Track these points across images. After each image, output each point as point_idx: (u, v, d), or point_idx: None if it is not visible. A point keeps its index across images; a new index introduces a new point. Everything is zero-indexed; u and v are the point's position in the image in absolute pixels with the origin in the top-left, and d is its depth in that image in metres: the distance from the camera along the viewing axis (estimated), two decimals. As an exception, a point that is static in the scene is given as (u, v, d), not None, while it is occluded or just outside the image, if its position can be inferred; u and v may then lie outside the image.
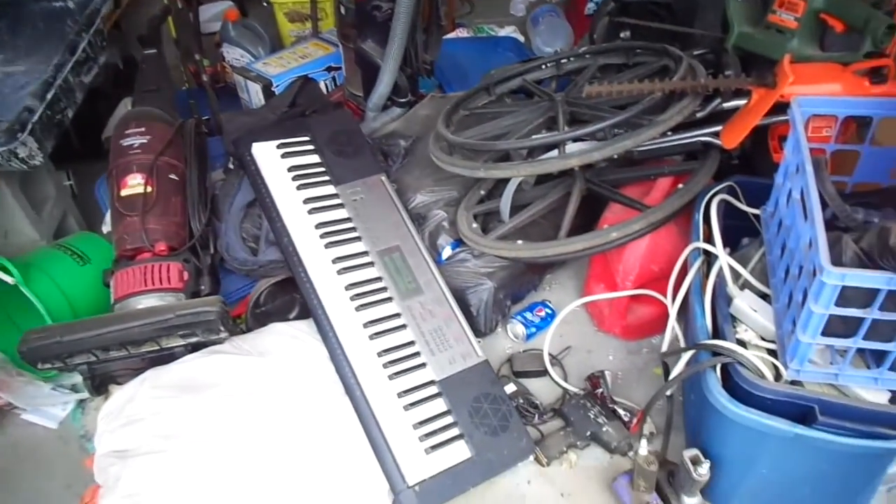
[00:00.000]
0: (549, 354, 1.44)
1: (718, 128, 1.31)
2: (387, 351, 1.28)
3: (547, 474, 1.26)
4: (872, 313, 0.88)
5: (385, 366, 1.27)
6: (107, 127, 1.67)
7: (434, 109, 1.70)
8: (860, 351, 1.00)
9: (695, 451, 1.09)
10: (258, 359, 1.24)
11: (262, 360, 1.24)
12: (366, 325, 1.31)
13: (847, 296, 0.88)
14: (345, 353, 1.27)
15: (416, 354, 1.30)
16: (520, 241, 1.36)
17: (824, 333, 0.92)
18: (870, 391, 0.99)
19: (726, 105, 1.31)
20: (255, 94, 1.97)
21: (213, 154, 1.68)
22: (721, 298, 1.12)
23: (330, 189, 1.48)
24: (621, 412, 1.32)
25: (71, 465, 1.27)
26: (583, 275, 1.60)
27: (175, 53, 2.02)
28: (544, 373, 1.42)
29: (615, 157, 1.37)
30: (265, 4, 2.36)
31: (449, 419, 1.24)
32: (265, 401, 1.19)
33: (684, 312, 1.24)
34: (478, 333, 1.45)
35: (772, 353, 1.06)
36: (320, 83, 1.99)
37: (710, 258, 1.20)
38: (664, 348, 1.29)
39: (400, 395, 1.24)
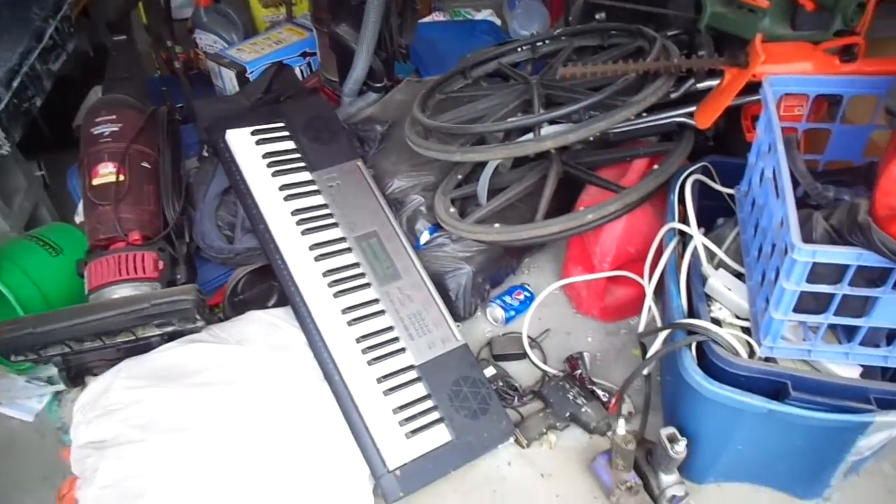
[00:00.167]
0: (528, 337, 1.45)
1: (693, 108, 1.32)
2: (365, 336, 1.28)
3: (527, 456, 1.27)
4: (842, 289, 0.89)
5: (364, 351, 1.27)
6: (78, 115, 1.64)
7: (410, 94, 1.69)
8: (832, 327, 1.02)
9: (672, 430, 1.10)
10: (236, 347, 1.24)
11: (240, 348, 1.23)
12: (344, 312, 1.30)
13: (818, 272, 0.89)
14: (323, 339, 1.27)
15: (395, 340, 1.30)
16: (497, 225, 1.36)
17: (796, 310, 0.93)
18: (841, 366, 1.01)
19: (700, 85, 1.31)
20: (229, 81, 1.94)
21: (187, 142, 1.66)
22: (696, 278, 1.13)
23: (306, 175, 1.47)
24: (600, 393, 1.33)
25: (48, 458, 1.26)
26: (561, 258, 1.60)
27: (146, 40, 1.99)
28: (523, 355, 1.43)
29: (591, 139, 1.38)
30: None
31: (429, 403, 1.24)
32: (244, 389, 1.19)
33: (661, 293, 1.25)
34: (457, 318, 1.45)
35: (746, 330, 1.07)
36: (295, 69, 1.97)
37: (685, 238, 1.21)
38: (641, 329, 1.30)
39: (379, 380, 1.24)
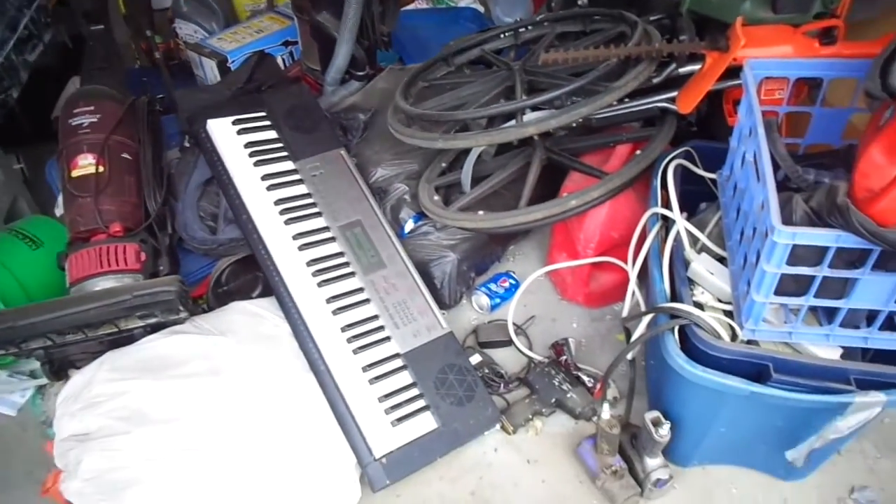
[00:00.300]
0: (514, 324, 1.45)
1: (675, 93, 1.32)
2: (350, 325, 1.28)
3: (513, 442, 1.27)
4: (822, 271, 0.90)
5: (349, 340, 1.27)
6: (56, 107, 1.62)
7: (393, 82, 1.68)
8: (812, 309, 1.02)
9: (656, 413, 1.11)
10: (220, 337, 1.23)
11: (224, 338, 1.23)
12: (328, 301, 1.30)
13: (798, 255, 0.89)
14: (308, 329, 1.26)
15: (381, 328, 1.30)
16: (481, 212, 1.36)
17: (777, 293, 0.94)
18: (822, 348, 1.01)
19: (682, 70, 1.31)
20: (210, 71, 1.92)
21: (168, 132, 1.65)
22: (679, 262, 1.13)
23: (288, 165, 1.46)
24: (585, 378, 1.34)
25: (31, 452, 1.26)
26: (546, 245, 1.60)
27: (125, 30, 1.96)
28: (509, 342, 1.43)
29: (574, 125, 1.37)
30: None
31: (414, 391, 1.25)
32: (228, 380, 1.18)
33: (645, 278, 1.25)
34: (442, 306, 1.45)
35: (728, 314, 1.08)
36: (277, 58, 1.95)
37: (668, 223, 1.21)
38: (625, 314, 1.30)
39: (365, 368, 1.24)
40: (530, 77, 1.38)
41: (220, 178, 1.42)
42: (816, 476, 1.20)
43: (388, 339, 1.29)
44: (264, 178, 1.41)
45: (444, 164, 1.53)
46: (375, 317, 1.31)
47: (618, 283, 1.43)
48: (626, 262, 1.32)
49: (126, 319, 1.21)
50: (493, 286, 1.52)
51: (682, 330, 1.05)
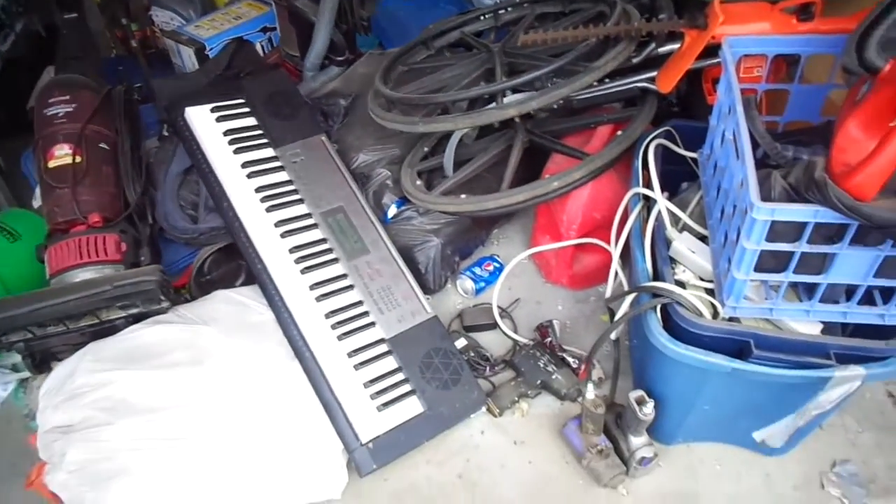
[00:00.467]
0: (499, 307, 1.45)
1: (655, 73, 1.31)
2: (334, 312, 1.28)
3: (500, 424, 1.28)
4: (801, 247, 0.90)
5: (333, 327, 1.26)
6: (31, 97, 1.60)
7: (373, 67, 1.66)
8: (793, 285, 1.03)
9: (640, 392, 1.12)
10: (203, 326, 1.22)
11: (207, 327, 1.22)
12: (312, 288, 1.30)
13: (777, 231, 0.89)
14: (292, 316, 1.26)
15: (365, 314, 1.30)
16: (463, 196, 1.35)
17: (757, 269, 0.94)
18: (802, 323, 1.02)
19: (661, 50, 1.31)
20: (188, 59, 1.90)
21: (147, 122, 1.63)
22: (660, 242, 1.14)
23: (269, 152, 1.44)
24: (570, 360, 1.34)
25: (15, 445, 1.25)
26: (530, 228, 1.60)
27: (100, 18, 1.93)
28: (494, 326, 1.44)
29: (555, 106, 1.37)
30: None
31: (400, 376, 1.25)
32: (213, 368, 1.18)
33: (628, 259, 1.26)
34: (427, 290, 1.45)
35: (710, 292, 1.08)
36: (256, 45, 1.93)
37: (649, 203, 1.21)
38: (608, 294, 1.31)
39: (350, 354, 1.24)
40: (510, 59, 1.38)
41: (199, 167, 1.41)
42: (799, 451, 1.21)
43: (372, 324, 1.29)
44: (245, 165, 1.40)
45: (426, 149, 1.52)
46: (360, 302, 1.31)
47: (601, 264, 1.44)
48: (609, 243, 1.32)
49: (107, 310, 1.20)
50: (477, 270, 1.52)
51: (664, 309, 1.06)
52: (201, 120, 1.44)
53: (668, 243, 1.14)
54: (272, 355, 1.23)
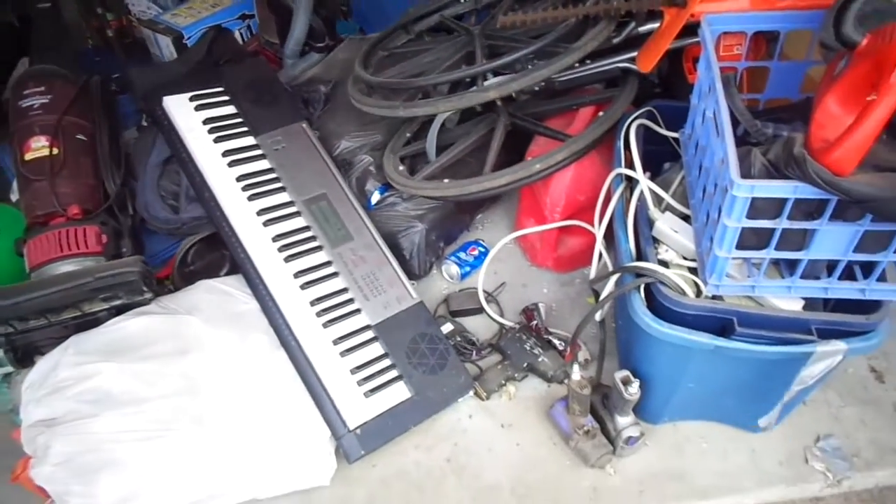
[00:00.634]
0: (485, 292, 1.45)
1: (635, 53, 1.31)
2: (319, 300, 1.27)
3: (487, 408, 1.28)
4: (782, 223, 0.90)
5: (318, 314, 1.26)
6: (6, 90, 1.57)
7: (353, 53, 1.64)
8: (775, 262, 1.04)
9: (625, 372, 1.12)
10: (187, 317, 1.21)
11: (191, 317, 1.21)
12: (296, 276, 1.29)
13: (758, 208, 0.89)
14: (277, 304, 1.25)
15: (350, 301, 1.30)
16: (446, 180, 1.35)
17: (739, 247, 0.94)
18: (784, 300, 1.03)
19: (641, 29, 1.30)
20: (166, 48, 1.88)
21: (125, 112, 1.61)
22: (643, 222, 1.14)
23: (249, 140, 1.43)
24: (556, 342, 1.35)
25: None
26: (514, 212, 1.60)
27: (76, 8, 1.90)
28: (480, 310, 1.44)
29: (536, 88, 1.36)
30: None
31: (386, 362, 1.25)
32: (198, 358, 1.17)
33: (613, 240, 1.26)
34: (412, 276, 1.45)
35: (693, 271, 1.08)
36: (234, 32, 1.91)
37: (632, 184, 1.21)
38: (592, 276, 1.31)
39: (335, 342, 1.24)
40: (490, 41, 1.37)
41: (179, 156, 1.39)
42: (783, 427, 1.22)
43: (358, 311, 1.29)
44: (225, 154, 1.39)
45: (408, 134, 1.51)
46: (344, 290, 1.30)
47: (586, 246, 1.44)
48: (593, 225, 1.32)
49: (89, 302, 1.19)
50: (462, 255, 1.52)
51: (648, 288, 1.06)
52: (180, 109, 1.42)
53: (650, 223, 1.14)
54: (257, 344, 1.22)
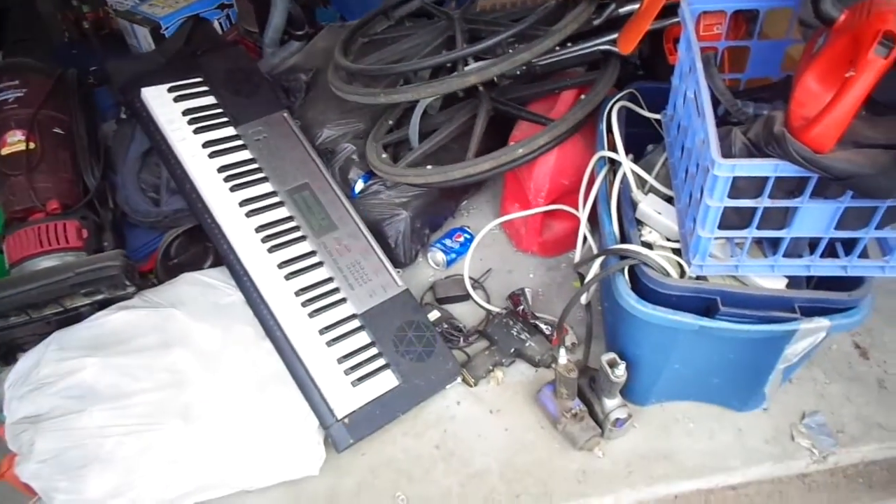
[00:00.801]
0: (471, 278, 1.45)
1: (616, 35, 1.30)
2: (304, 290, 1.27)
3: (475, 394, 1.28)
4: (763, 202, 0.90)
5: (304, 304, 1.25)
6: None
7: (334, 40, 1.63)
8: (758, 242, 1.04)
9: (612, 355, 1.12)
10: (170, 310, 1.21)
11: (175, 310, 1.21)
12: (280, 266, 1.28)
13: (739, 187, 0.89)
14: (261, 295, 1.25)
15: (335, 290, 1.29)
16: (429, 167, 1.34)
17: (721, 227, 0.94)
18: (768, 279, 1.03)
19: (621, 10, 1.30)
20: (143, 39, 1.85)
21: (103, 105, 1.59)
22: (626, 204, 1.14)
23: (230, 130, 1.42)
24: (543, 327, 1.35)
25: (-16, 439, 1.23)
26: (499, 198, 1.60)
27: (51, 1, 1.87)
28: (467, 297, 1.44)
29: (518, 73, 1.36)
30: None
31: (373, 350, 1.25)
32: (183, 351, 1.16)
33: (597, 223, 1.26)
34: (398, 264, 1.44)
35: (677, 252, 1.08)
36: (213, 22, 1.88)
37: (615, 166, 1.21)
38: (577, 259, 1.31)
39: (321, 331, 1.24)
40: (471, 26, 1.36)
41: (159, 148, 1.37)
42: (769, 405, 1.23)
43: (343, 300, 1.28)
44: (206, 145, 1.37)
45: (391, 122, 1.50)
46: (329, 279, 1.30)
47: (571, 230, 1.44)
48: (577, 208, 1.32)
49: (71, 298, 1.17)
50: (448, 242, 1.52)
51: (632, 270, 1.06)
52: (158, 100, 1.40)
53: (634, 205, 1.14)
54: (243, 336, 1.22)
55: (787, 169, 0.85)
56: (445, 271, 1.50)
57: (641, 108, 1.28)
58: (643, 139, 1.29)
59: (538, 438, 1.22)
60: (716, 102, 0.98)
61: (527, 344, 1.31)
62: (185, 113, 1.40)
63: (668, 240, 1.11)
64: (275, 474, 1.14)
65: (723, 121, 0.99)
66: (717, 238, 0.97)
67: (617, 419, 1.16)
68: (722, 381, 1.16)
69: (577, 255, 1.30)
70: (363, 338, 1.26)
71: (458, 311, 1.42)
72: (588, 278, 1.14)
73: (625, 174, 1.16)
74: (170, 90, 1.43)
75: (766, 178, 0.88)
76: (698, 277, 1.04)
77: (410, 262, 1.49)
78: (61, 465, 1.04)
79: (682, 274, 1.05)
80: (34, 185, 1.27)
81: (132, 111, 1.43)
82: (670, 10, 1.20)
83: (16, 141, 1.29)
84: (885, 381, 1.29)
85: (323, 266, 1.31)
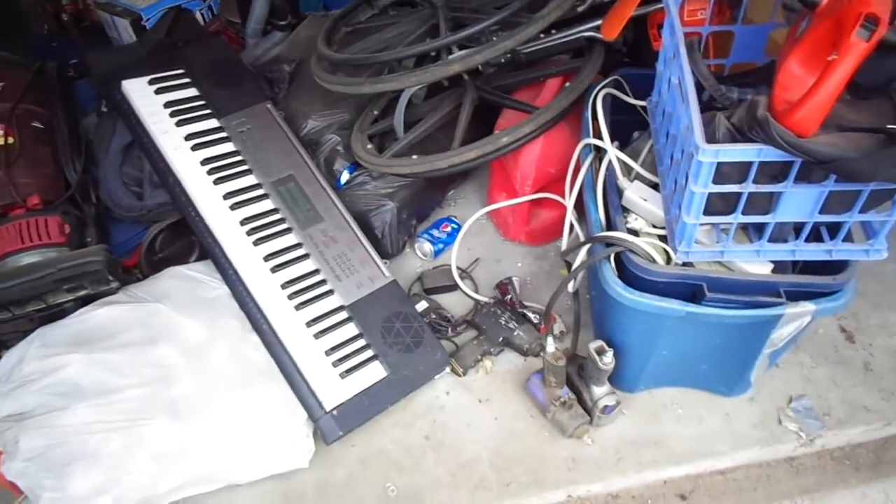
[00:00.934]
0: (458, 268, 1.45)
1: (600, 21, 1.30)
2: (291, 282, 1.26)
3: (464, 383, 1.28)
4: (748, 187, 0.90)
5: (290, 297, 1.25)
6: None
7: (317, 30, 1.60)
8: (744, 227, 1.04)
9: (599, 343, 1.13)
10: (156, 305, 1.20)
11: (160, 305, 1.20)
12: (266, 259, 1.27)
13: (724, 172, 0.89)
14: (247, 289, 1.24)
15: (322, 282, 1.28)
16: (415, 157, 1.33)
17: (707, 213, 0.94)
18: (753, 264, 1.03)
19: (605, -4, 1.29)
20: (124, 31, 1.83)
21: (84, 98, 1.57)
22: (612, 191, 1.13)
23: (213, 122, 1.40)
24: (531, 315, 1.35)
25: (-31, 438, 1.21)
26: (486, 187, 1.60)
27: (29, -7, 1.84)
28: (455, 287, 1.43)
29: (503, 61, 1.35)
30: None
31: (361, 342, 1.24)
32: (169, 346, 1.16)
33: (584, 211, 1.25)
34: (385, 255, 1.44)
35: (663, 238, 1.08)
36: (195, 13, 1.86)
37: (601, 154, 1.21)
38: (563, 247, 1.31)
39: (308, 324, 1.23)
40: (455, 14, 1.35)
41: (141, 142, 1.36)
42: (756, 390, 1.24)
43: (330, 292, 1.28)
44: (188, 137, 1.36)
45: (376, 112, 1.49)
46: (316, 271, 1.29)
47: (558, 218, 1.43)
48: (564, 196, 1.32)
49: (53, 294, 1.16)
50: (435, 232, 1.51)
51: (618, 258, 1.06)
52: (139, 93, 1.39)
53: (619, 193, 1.13)
54: (229, 329, 1.21)
55: (770, 154, 0.85)
56: (433, 262, 1.50)
57: (627, 94, 1.27)
58: (630, 126, 1.29)
59: (527, 427, 1.22)
60: (700, 88, 0.98)
61: (515, 333, 1.30)
62: (166, 105, 1.39)
63: (655, 226, 1.11)
64: (264, 468, 1.14)
65: (707, 106, 0.99)
66: (702, 224, 0.97)
67: (605, 406, 1.16)
68: (709, 366, 1.16)
69: (564, 242, 1.30)
70: (351, 329, 1.25)
71: (446, 301, 1.42)
72: (574, 266, 1.14)
73: (610, 161, 1.16)
74: (151, 82, 1.41)
75: (750, 164, 0.87)
76: (684, 264, 1.04)
77: (398, 253, 1.49)
78: (46, 463, 1.03)
79: (669, 260, 1.05)
80: (14, 181, 1.25)
81: (113, 104, 1.41)
82: (654, -5, 1.20)
83: (-6, 136, 1.27)
84: (870, 364, 1.30)
85: (309, 258, 1.30)
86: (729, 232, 0.99)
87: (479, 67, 1.32)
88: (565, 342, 1.32)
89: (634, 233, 1.09)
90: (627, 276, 1.04)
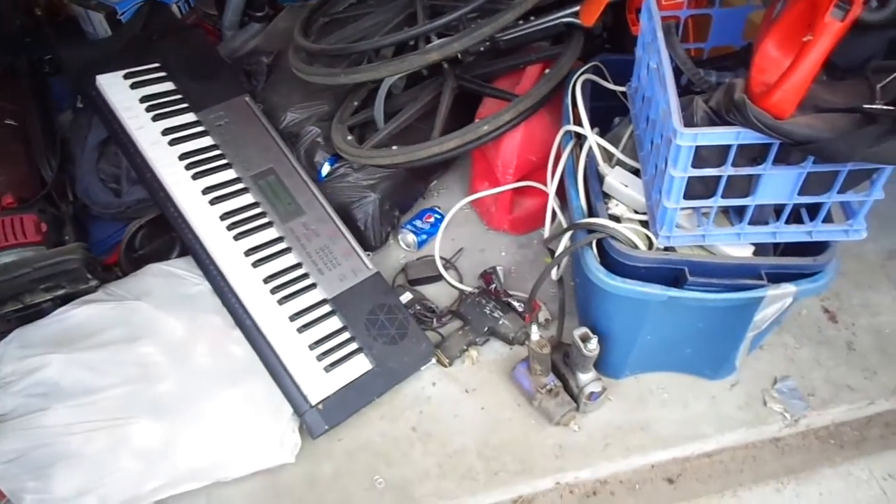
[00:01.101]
0: (442, 258, 1.44)
1: (578, 7, 1.29)
2: (272, 276, 1.25)
3: (450, 374, 1.28)
4: (727, 170, 0.90)
5: (273, 291, 1.24)
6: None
7: (295, 21, 1.60)
8: (724, 210, 1.04)
9: (584, 329, 1.12)
10: (136, 302, 1.18)
11: (141, 303, 1.18)
12: (247, 254, 1.26)
13: (702, 156, 0.89)
14: (229, 284, 1.23)
15: (305, 276, 1.28)
16: (395, 147, 1.32)
17: (687, 197, 0.94)
18: (734, 247, 1.03)
19: (583, -18, 1.28)
20: (99, 25, 1.79)
21: (59, 94, 1.55)
22: (593, 178, 1.13)
23: (190, 117, 1.39)
24: (516, 304, 1.35)
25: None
26: (468, 177, 1.59)
27: (0, -13, 1.81)
28: (439, 277, 1.43)
29: (481, 48, 1.34)
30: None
31: (346, 335, 1.24)
32: (150, 344, 1.15)
33: (567, 199, 1.25)
34: (369, 247, 1.43)
35: (644, 224, 1.08)
36: (172, 5, 1.83)
37: (582, 140, 1.20)
38: (546, 235, 1.30)
39: (292, 318, 1.22)
40: (432, 2, 1.34)
41: (117, 137, 1.34)
42: (740, 372, 1.24)
43: (313, 286, 1.27)
44: (165, 132, 1.34)
45: (355, 103, 1.48)
46: (298, 265, 1.28)
47: (541, 206, 1.42)
48: (545, 184, 1.31)
49: (31, 294, 1.15)
50: (418, 223, 1.51)
51: (601, 244, 1.06)
52: (114, 88, 1.37)
53: (600, 179, 1.13)
54: (211, 326, 1.20)
55: (748, 136, 0.85)
56: (417, 252, 1.49)
57: (607, 80, 1.27)
58: (611, 112, 1.28)
59: (514, 416, 1.22)
60: (679, 72, 0.98)
61: (500, 322, 1.30)
62: (142, 100, 1.37)
63: (636, 212, 1.11)
64: (250, 464, 1.13)
65: (686, 90, 0.98)
66: (682, 208, 0.97)
67: (591, 393, 1.16)
68: (694, 350, 1.17)
69: (547, 230, 1.30)
70: (334, 323, 1.24)
71: (431, 291, 1.41)
72: (557, 253, 1.13)
73: (591, 148, 1.15)
74: (126, 77, 1.39)
75: (728, 147, 0.87)
76: (666, 248, 1.04)
77: (381, 245, 1.48)
78: (28, 464, 1.02)
79: (651, 246, 1.05)
80: (-14, 180, 1.23)
81: (87, 99, 1.39)
82: (632, -20, 1.19)
83: (-34, 134, 1.25)
84: (853, 344, 1.31)
85: (291, 252, 1.29)
86: (709, 215, 0.99)
87: (459, 56, 1.31)
88: (550, 330, 1.32)
89: (616, 219, 1.09)
90: (610, 262, 1.04)
